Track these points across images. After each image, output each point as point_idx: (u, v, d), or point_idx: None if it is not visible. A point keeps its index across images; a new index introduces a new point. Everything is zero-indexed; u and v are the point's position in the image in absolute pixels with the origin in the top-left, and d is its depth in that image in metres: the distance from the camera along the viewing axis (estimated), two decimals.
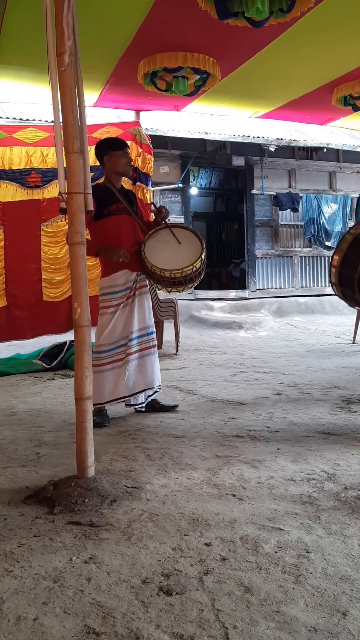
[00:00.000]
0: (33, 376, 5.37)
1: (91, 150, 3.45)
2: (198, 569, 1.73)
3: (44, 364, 5.62)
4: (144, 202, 5.52)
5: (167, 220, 3.72)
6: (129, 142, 5.36)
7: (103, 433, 3.31)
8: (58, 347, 5.85)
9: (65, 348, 5.81)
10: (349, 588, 1.61)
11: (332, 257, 2.90)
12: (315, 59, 4.33)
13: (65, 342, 5.88)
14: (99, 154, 3.66)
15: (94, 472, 2.40)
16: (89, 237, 3.26)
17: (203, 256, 3.47)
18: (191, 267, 3.42)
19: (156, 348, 3.73)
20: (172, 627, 1.45)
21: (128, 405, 3.71)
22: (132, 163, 4.14)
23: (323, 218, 10.63)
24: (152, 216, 3.85)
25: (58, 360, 5.68)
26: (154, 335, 3.73)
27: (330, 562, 1.76)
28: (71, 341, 5.73)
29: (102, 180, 3.69)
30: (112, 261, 3.48)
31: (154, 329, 3.75)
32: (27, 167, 5.72)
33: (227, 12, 3.11)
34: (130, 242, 3.58)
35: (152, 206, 3.89)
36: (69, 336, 5.99)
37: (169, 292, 3.62)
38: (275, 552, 1.83)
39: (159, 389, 3.76)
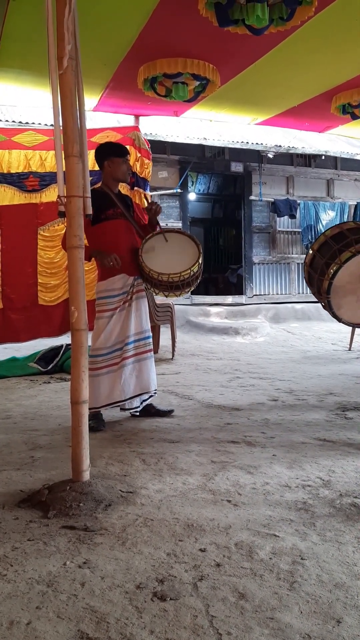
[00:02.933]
0: (29, 379, 5.35)
1: (90, 154, 3.46)
2: (192, 575, 1.72)
3: (39, 367, 5.60)
4: (141, 207, 5.54)
5: (161, 221, 3.73)
6: (127, 147, 5.38)
7: (98, 437, 3.30)
8: (54, 351, 5.84)
9: (62, 351, 5.79)
10: (344, 595, 1.61)
11: (306, 256, 2.97)
12: (315, 67, 4.36)
13: (62, 346, 5.87)
14: (99, 157, 3.66)
15: (89, 476, 2.39)
16: (85, 241, 3.27)
17: (200, 261, 3.48)
18: (188, 271, 3.43)
19: (152, 352, 3.73)
20: (165, 632, 1.45)
21: (123, 409, 3.71)
22: (132, 169, 4.15)
23: (320, 225, 10.66)
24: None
25: (54, 364, 5.67)
26: (151, 340, 3.73)
27: (325, 569, 1.76)
28: (67, 345, 5.73)
29: (99, 184, 3.69)
30: (106, 267, 3.48)
31: (151, 334, 3.74)
32: (26, 170, 5.73)
33: (227, 19, 3.13)
34: (127, 246, 3.59)
35: (146, 202, 3.90)
36: (63, 339, 5.99)
37: (166, 296, 3.63)
38: (270, 558, 1.83)
39: (155, 393, 3.75)
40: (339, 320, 2.88)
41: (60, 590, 1.64)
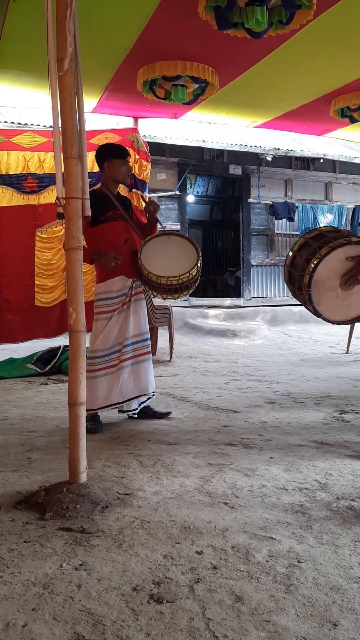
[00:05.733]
0: (26, 380, 5.35)
1: (89, 156, 3.46)
2: (189, 577, 1.72)
3: (37, 369, 5.60)
4: (139, 209, 5.54)
5: (160, 222, 3.74)
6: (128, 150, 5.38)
7: (96, 439, 3.29)
8: (52, 352, 5.84)
9: (59, 353, 5.79)
10: (340, 598, 1.61)
11: (286, 258, 2.99)
12: (314, 71, 4.37)
13: (59, 347, 5.86)
14: (99, 158, 3.65)
15: (86, 478, 2.39)
16: (84, 243, 3.27)
17: (199, 264, 3.48)
18: (187, 274, 3.43)
19: (150, 354, 3.72)
20: (162, 635, 1.45)
21: (121, 411, 3.70)
22: (131, 171, 4.15)
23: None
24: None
25: (51, 365, 5.66)
26: (149, 342, 3.72)
27: (322, 572, 1.76)
28: (65, 346, 5.72)
29: (98, 186, 3.69)
30: (106, 267, 3.48)
31: (149, 336, 3.74)
32: (24, 172, 5.73)
33: (227, 22, 3.14)
34: (126, 248, 3.58)
35: (143, 202, 3.90)
36: (60, 340, 5.99)
37: (165, 298, 3.63)
38: (267, 561, 1.83)
39: (153, 395, 3.75)
40: (319, 315, 2.89)
41: (57, 592, 1.64)
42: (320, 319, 2.93)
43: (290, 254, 2.95)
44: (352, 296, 2.84)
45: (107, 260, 3.41)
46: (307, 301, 2.85)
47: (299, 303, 2.99)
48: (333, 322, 2.99)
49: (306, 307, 2.89)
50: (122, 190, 5.01)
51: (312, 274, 2.75)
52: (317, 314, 2.88)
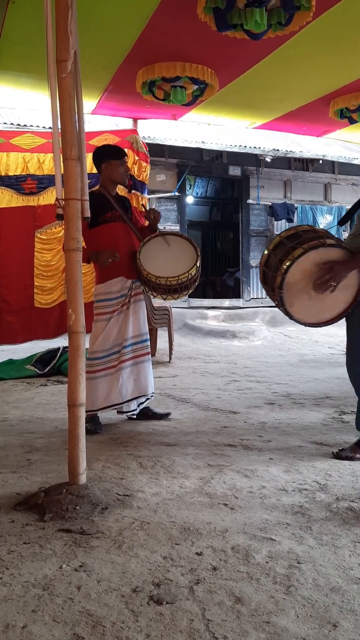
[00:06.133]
0: (25, 382, 5.34)
1: (88, 157, 3.46)
2: (189, 579, 1.72)
3: (36, 370, 5.59)
4: (138, 210, 5.55)
5: (158, 223, 3.73)
6: (125, 150, 5.38)
7: (95, 440, 3.29)
8: (51, 353, 5.83)
9: (59, 354, 5.79)
10: (340, 599, 1.61)
11: (261, 257, 2.97)
12: (313, 72, 4.38)
13: (59, 348, 5.86)
14: (97, 160, 3.66)
15: (86, 479, 2.39)
16: (83, 244, 3.27)
17: (198, 263, 3.48)
18: (186, 274, 3.43)
19: (150, 355, 3.72)
20: (162, 636, 1.44)
21: (120, 412, 3.70)
22: (129, 171, 4.15)
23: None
24: (147, 222, 3.86)
25: (51, 366, 5.66)
26: (148, 343, 3.72)
27: (322, 573, 1.75)
28: (64, 347, 5.72)
29: (97, 187, 3.69)
30: (106, 267, 3.48)
31: (148, 337, 3.74)
32: (23, 173, 5.73)
33: (226, 24, 3.14)
34: (125, 249, 3.58)
35: (143, 208, 3.90)
36: (59, 341, 5.99)
37: (164, 299, 3.63)
38: (267, 562, 1.83)
39: (152, 396, 3.75)
40: (291, 317, 2.87)
41: (56, 594, 1.64)
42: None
43: (265, 252, 2.93)
44: (325, 299, 2.80)
45: (104, 257, 3.40)
46: (279, 302, 2.83)
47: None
48: (306, 324, 2.97)
49: (279, 307, 2.87)
50: (122, 191, 5.02)
51: (284, 275, 2.73)
52: (289, 315, 2.86)
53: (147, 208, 3.97)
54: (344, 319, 2.96)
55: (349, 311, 2.90)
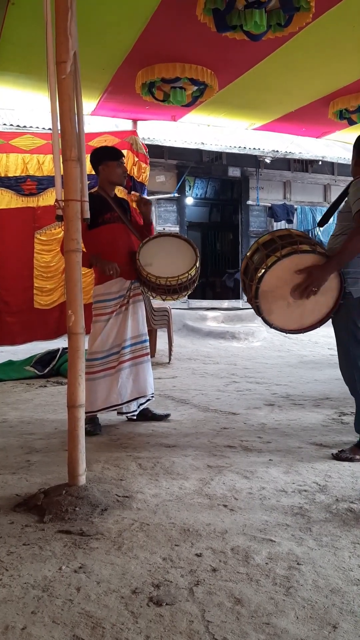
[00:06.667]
0: (25, 383, 5.34)
1: (88, 158, 3.46)
2: (188, 580, 1.72)
3: (36, 371, 5.59)
4: (137, 211, 5.54)
5: (157, 225, 3.74)
6: (125, 151, 5.38)
7: (95, 441, 3.29)
8: (51, 354, 5.83)
9: (58, 355, 5.79)
10: (340, 600, 1.61)
11: (241, 264, 2.97)
12: (312, 73, 4.38)
13: (58, 349, 5.86)
14: (94, 162, 3.66)
15: (85, 481, 2.38)
16: (83, 248, 3.27)
17: (197, 264, 3.48)
18: (186, 274, 3.43)
19: (149, 356, 3.72)
20: (161, 638, 1.44)
21: (120, 413, 3.70)
22: (127, 172, 4.16)
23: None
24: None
25: (51, 367, 5.65)
26: (147, 344, 3.72)
27: (321, 574, 1.75)
28: (64, 348, 5.72)
29: (95, 189, 3.69)
30: (105, 274, 3.48)
31: (147, 337, 3.74)
32: (23, 174, 5.73)
33: (225, 25, 3.14)
34: (124, 250, 3.59)
35: (133, 196, 3.89)
36: (59, 342, 5.98)
37: (164, 299, 3.63)
38: (266, 563, 1.82)
39: (152, 397, 3.75)
40: (270, 325, 2.86)
41: (56, 595, 1.64)
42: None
43: (244, 260, 2.93)
44: (306, 304, 2.79)
45: (108, 269, 3.41)
46: (257, 311, 2.83)
47: None
48: (287, 331, 2.96)
49: (258, 315, 2.87)
50: (121, 192, 5.02)
51: (258, 285, 2.73)
52: (268, 324, 2.85)
53: (137, 193, 3.97)
54: (331, 322, 2.97)
55: (331, 315, 2.90)
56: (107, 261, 3.43)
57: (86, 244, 3.50)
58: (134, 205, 3.95)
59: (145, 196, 3.74)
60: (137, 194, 5.68)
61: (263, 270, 2.71)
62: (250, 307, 2.94)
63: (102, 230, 3.55)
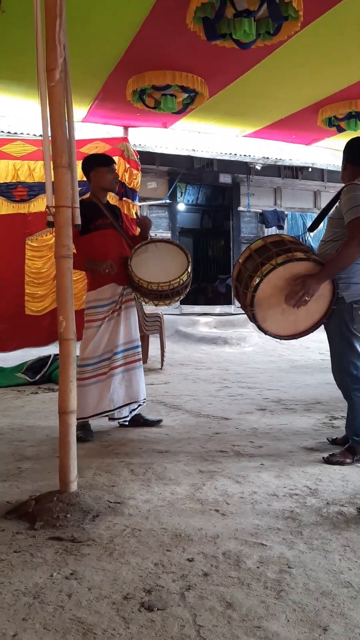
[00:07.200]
0: (16, 390, 5.32)
1: (79, 165, 3.47)
2: (180, 585, 1.72)
3: (27, 378, 5.57)
4: (129, 217, 5.55)
5: (150, 232, 3.76)
6: (116, 158, 5.39)
7: (86, 447, 3.28)
8: (42, 361, 5.81)
9: (50, 361, 5.77)
10: (330, 603, 1.62)
11: (233, 269, 2.98)
12: (301, 81, 4.43)
13: (49, 356, 5.84)
14: (85, 169, 3.67)
15: (77, 487, 2.38)
16: (74, 250, 3.27)
17: (189, 269, 3.50)
18: (178, 279, 3.45)
19: (141, 362, 3.72)
20: None
21: (112, 419, 3.69)
22: (119, 179, 4.17)
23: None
24: (138, 230, 3.88)
25: (42, 374, 5.63)
26: (140, 349, 3.72)
27: (312, 578, 1.76)
28: (55, 355, 5.70)
29: (87, 195, 3.71)
30: (99, 274, 3.48)
31: (140, 343, 3.74)
32: (14, 180, 5.73)
33: (215, 33, 3.18)
34: (116, 256, 3.59)
35: (135, 215, 3.92)
36: (50, 349, 5.96)
37: (156, 305, 3.64)
38: (258, 567, 1.83)
39: (144, 403, 3.75)
40: (265, 332, 2.88)
41: (47, 602, 1.63)
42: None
43: (236, 266, 2.94)
44: (299, 311, 2.81)
45: (103, 267, 3.41)
46: (252, 319, 2.84)
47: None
48: (281, 338, 2.98)
49: (252, 321, 2.88)
50: (112, 199, 5.04)
51: (253, 293, 2.74)
52: (263, 331, 2.87)
53: (139, 215, 4.00)
54: (323, 327, 2.99)
55: (324, 320, 2.92)
56: (102, 260, 3.43)
57: (78, 250, 3.50)
58: (132, 214, 3.97)
59: (147, 217, 3.75)
60: (137, 206, 5.71)
61: (259, 279, 2.72)
62: (242, 312, 2.95)
63: (94, 237, 3.55)
